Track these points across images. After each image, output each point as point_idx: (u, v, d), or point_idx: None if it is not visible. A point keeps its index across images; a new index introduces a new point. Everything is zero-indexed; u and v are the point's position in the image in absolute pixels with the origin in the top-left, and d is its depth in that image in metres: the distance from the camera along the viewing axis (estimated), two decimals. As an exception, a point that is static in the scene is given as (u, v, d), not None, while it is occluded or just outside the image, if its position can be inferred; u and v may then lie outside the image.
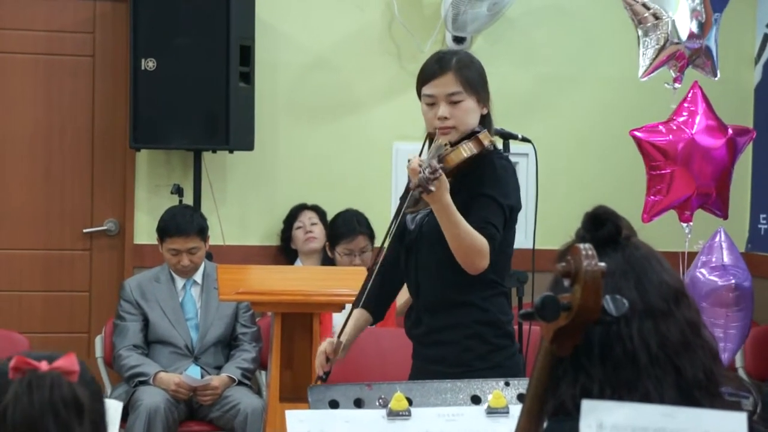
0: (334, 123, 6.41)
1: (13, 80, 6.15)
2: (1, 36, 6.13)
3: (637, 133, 5.34)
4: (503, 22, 6.29)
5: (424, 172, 3.36)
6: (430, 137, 3.72)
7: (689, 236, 5.34)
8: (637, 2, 5.22)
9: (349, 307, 3.98)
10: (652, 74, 5.35)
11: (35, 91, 6.17)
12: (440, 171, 3.40)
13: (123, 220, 6.24)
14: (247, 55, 5.92)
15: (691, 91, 5.40)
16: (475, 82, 3.67)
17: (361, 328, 3.80)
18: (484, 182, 3.58)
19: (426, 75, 3.71)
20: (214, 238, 5.98)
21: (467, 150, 3.57)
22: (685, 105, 5.36)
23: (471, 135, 3.62)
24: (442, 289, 3.64)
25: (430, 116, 3.67)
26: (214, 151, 6.11)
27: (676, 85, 5.39)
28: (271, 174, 6.34)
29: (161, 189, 6.12)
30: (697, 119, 5.31)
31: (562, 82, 6.61)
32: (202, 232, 5.57)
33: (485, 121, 3.71)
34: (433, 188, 3.36)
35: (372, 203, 6.22)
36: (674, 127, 5.30)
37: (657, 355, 1.84)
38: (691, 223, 5.33)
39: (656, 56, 5.25)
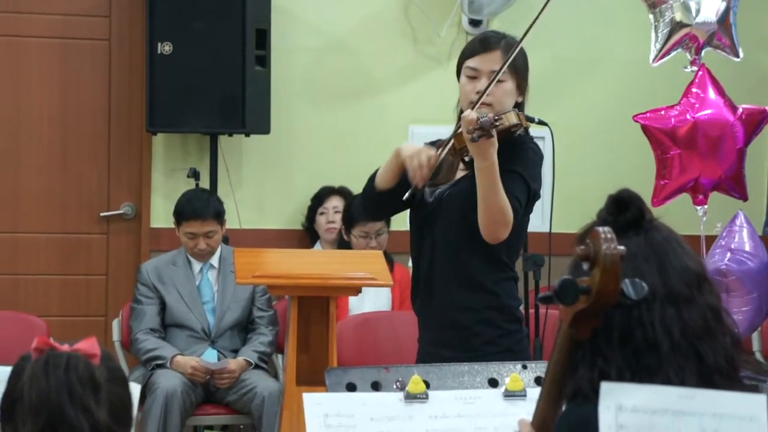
0: (350, 106, 6.40)
1: (30, 65, 6.16)
2: (17, 20, 6.13)
3: (641, 119, 5.33)
4: (519, 5, 6.27)
5: (485, 117, 3.36)
6: (461, 115, 3.72)
7: (704, 219, 5.32)
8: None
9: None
10: (665, 58, 5.33)
11: (51, 76, 6.17)
12: (502, 119, 3.40)
13: (139, 203, 6.25)
14: (262, 38, 5.92)
15: (699, 73, 5.38)
16: (520, 66, 3.70)
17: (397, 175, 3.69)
18: (514, 160, 3.58)
19: (472, 49, 3.73)
20: (231, 222, 5.98)
21: (516, 117, 3.56)
22: (693, 89, 5.35)
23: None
24: (457, 266, 3.64)
25: (469, 89, 3.67)
26: (230, 135, 6.11)
27: (693, 67, 5.38)
28: (287, 158, 6.34)
29: (177, 173, 6.13)
30: (704, 102, 5.29)
31: (578, 65, 6.60)
32: (219, 215, 5.58)
33: (519, 109, 3.71)
34: (494, 133, 3.36)
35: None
36: (677, 111, 5.29)
37: (679, 342, 1.83)
38: (705, 206, 5.31)
39: (667, 40, 5.23)
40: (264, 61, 5.94)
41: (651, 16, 5.28)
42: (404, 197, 3.65)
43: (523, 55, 3.74)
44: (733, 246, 5.29)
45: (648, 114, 5.34)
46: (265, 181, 6.33)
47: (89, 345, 1.77)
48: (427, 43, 6.43)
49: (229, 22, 5.81)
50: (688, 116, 5.27)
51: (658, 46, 5.28)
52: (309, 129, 6.35)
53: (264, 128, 6.00)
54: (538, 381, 2.90)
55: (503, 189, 3.49)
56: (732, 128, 5.26)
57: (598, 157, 6.56)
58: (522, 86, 3.73)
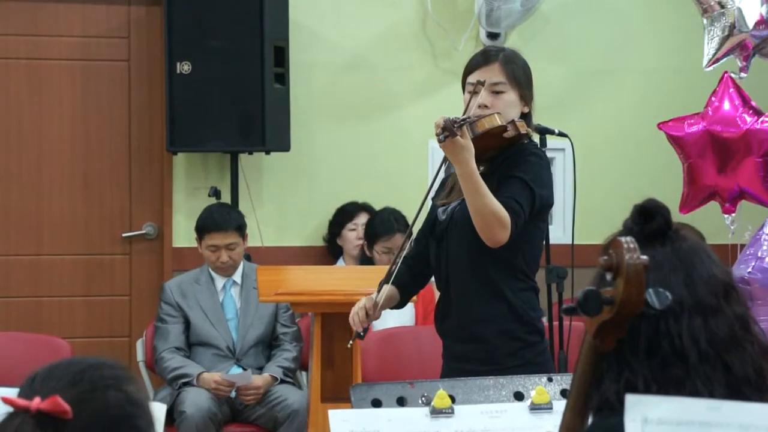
0: (370, 122, 6.41)
1: (50, 87, 6.18)
2: (38, 43, 6.17)
3: (664, 127, 5.33)
4: (537, 17, 6.27)
5: (449, 119, 3.39)
6: None
7: (732, 228, 5.30)
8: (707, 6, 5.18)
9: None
10: (717, 64, 5.32)
11: (72, 97, 6.20)
12: (469, 120, 3.44)
13: (161, 223, 6.27)
14: (281, 56, 5.93)
15: (722, 81, 5.36)
16: (520, 77, 3.70)
17: (391, 299, 3.76)
18: (515, 166, 3.59)
19: (472, 64, 3.75)
20: (252, 240, 5.99)
21: (499, 119, 3.57)
22: (713, 97, 5.33)
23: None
24: (472, 280, 3.63)
25: (471, 104, 3.67)
26: (250, 153, 6.12)
27: (742, 74, 5.36)
28: (308, 174, 6.35)
29: (199, 192, 6.14)
30: (721, 110, 5.27)
31: (597, 76, 6.59)
32: (240, 228, 5.60)
33: (526, 119, 3.71)
34: (458, 133, 3.38)
35: (409, 201, 6.20)
36: (695, 120, 5.29)
37: (706, 352, 1.82)
38: (733, 215, 5.29)
39: (721, 46, 5.21)
40: (283, 78, 5.95)
41: (705, 21, 5.26)
42: (347, 345, 3.80)
43: (523, 65, 3.75)
44: (759, 254, 5.26)
45: (670, 122, 5.32)
46: (286, 198, 6.33)
47: (53, 404, 1.72)
48: (446, 58, 6.43)
49: (247, 40, 5.82)
50: (703, 125, 5.26)
51: (712, 51, 5.25)
52: (329, 145, 6.35)
53: (284, 146, 6.01)
54: (563, 393, 2.89)
55: (503, 193, 3.50)
56: (751, 137, 5.23)
57: (619, 168, 6.54)
58: (526, 96, 3.72)
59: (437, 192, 3.89)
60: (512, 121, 3.61)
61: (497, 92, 3.65)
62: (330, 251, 6.26)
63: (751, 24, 5.19)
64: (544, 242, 3.87)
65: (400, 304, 3.84)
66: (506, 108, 3.65)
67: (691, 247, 1.90)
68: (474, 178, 3.46)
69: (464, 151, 3.43)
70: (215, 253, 5.55)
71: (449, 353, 3.74)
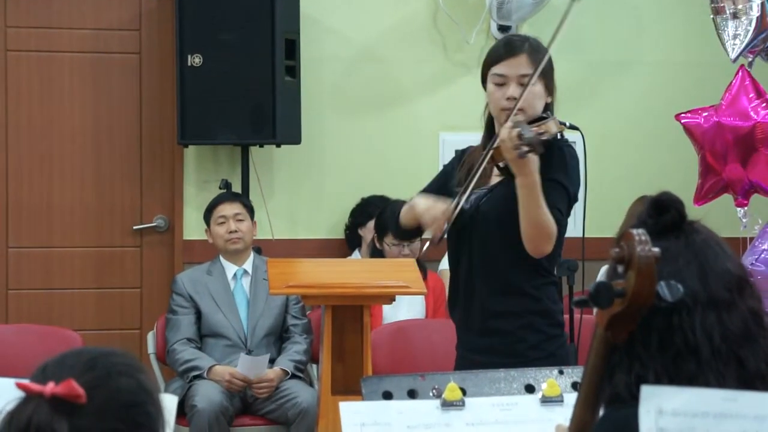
0: (381, 115, 6.41)
1: (62, 79, 6.19)
2: (49, 35, 6.18)
3: (681, 118, 5.32)
4: (548, 9, 6.25)
5: (528, 133, 3.33)
6: (490, 122, 3.70)
7: (745, 221, 5.29)
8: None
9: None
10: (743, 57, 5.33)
11: (83, 90, 6.21)
12: (544, 132, 3.38)
13: (172, 216, 6.27)
14: (292, 49, 5.93)
15: (738, 75, 5.36)
16: (545, 67, 3.64)
17: None
18: (552, 167, 3.54)
19: (497, 55, 3.69)
20: (263, 233, 6.00)
21: (555, 126, 3.53)
22: (729, 91, 5.33)
23: (539, 120, 3.59)
24: (497, 273, 3.62)
25: (498, 96, 3.63)
26: (261, 146, 6.12)
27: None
28: (319, 167, 6.35)
29: (209, 184, 6.15)
30: (736, 103, 5.26)
31: (609, 69, 6.58)
32: (247, 206, 5.72)
33: (548, 110, 3.68)
34: (542, 149, 3.35)
35: (420, 194, 6.21)
36: (711, 112, 5.28)
37: (719, 347, 1.81)
38: (745, 208, 5.28)
39: (753, 39, 5.20)
40: (294, 71, 5.95)
41: (717, 18, 5.25)
42: (432, 243, 3.68)
43: (546, 54, 3.69)
44: (765, 246, 5.26)
45: (687, 114, 5.32)
46: (297, 191, 6.34)
47: (67, 388, 1.72)
48: (457, 50, 6.43)
49: (258, 33, 5.82)
50: (716, 117, 5.26)
51: (742, 45, 5.24)
52: (340, 138, 6.36)
53: (295, 138, 6.01)
54: (575, 386, 2.88)
55: (545, 200, 3.47)
56: (765, 130, 5.22)
57: (630, 161, 6.53)
58: (550, 87, 3.68)
59: (451, 162, 3.86)
60: (553, 119, 3.57)
61: (525, 84, 3.59)
62: (348, 241, 6.24)
63: None
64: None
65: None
66: (534, 100, 3.60)
67: (705, 241, 1.89)
68: (537, 191, 3.43)
69: (534, 163, 3.41)
70: (224, 225, 5.61)
71: (470, 345, 3.72)
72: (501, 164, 3.61)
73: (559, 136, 3.64)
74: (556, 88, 3.73)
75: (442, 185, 3.79)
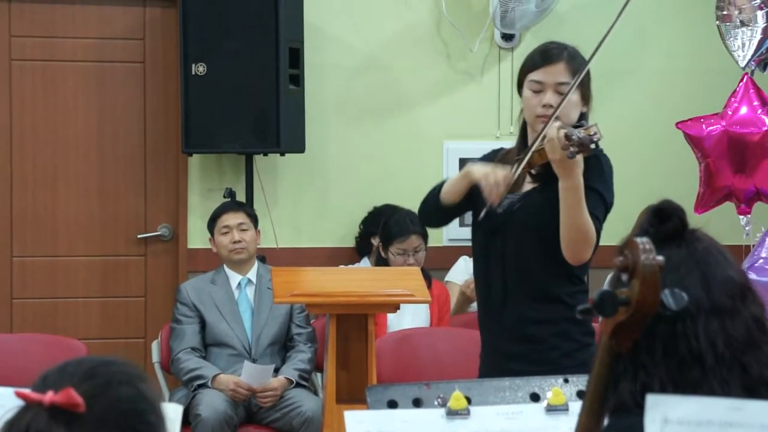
0: (384, 123, 6.41)
1: (66, 88, 6.20)
2: (53, 45, 6.18)
3: (683, 126, 5.33)
4: (552, 17, 6.26)
5: (579, 134, 3.31)
6: (524, 128, 3.68)
7: (747, 229, 5.29)
8: (738, 7, 5.18)
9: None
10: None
11: (87, 99, 6.22)
12: (594, 134, 3.35)
13: (176, 224, 6.28)
14: (296, 57, 5.94)
15: (742, 82, 5.36)
16: (583, 77, 3.62)
17: None
18: (591, 175, 3.52)
19: (535, 62, 3.66)
20: (267, 241, 6.00)
21: (599, 130, 3.49)
22: (733, 98, 5.33)
23: (578, 126, 3.56)
24: (532, 280, 3.59)
25: (534, 102, 3.61)
26: (265, 154, 6.13)
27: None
28: (323, 175, 6.35)
29: (214, 193, 6.15)
30: (740, 111, 5.27)
31: (613, 77, 6.57)
32: (251, 215, 5.71)
33: (583, 119, 3.65)
34: (591, 150, 3.33)
35: (424, 203, 6.21)
36: (714, 120, 5.28)
37: (723, 354, 1.81)
38: (748, 216, 5.28)
39: (758, 48, 5.21)
40: (298, 79, 5.96)
41: (722, 26, 5.26)
42: (479, 217, 3.61)
43: (585, 65, 3.67)
44: (764, 255, 5.26)
45: (689, 122, 5.32)
46: (301, 199, 6.34)
47: (66, 397, 1.72)
48: (460, 59, 6.43)
49: (262, 41, 5.83)
50: (723, 125, 5.26)
51: (750, 51, 5.24)
52: (343, 147, 6.36)
53: (299, 147, 6.02)
54: (580, 395, 2.88)
55: None
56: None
57: (634, 169, 6.52)
58: (586, 96, 3.66)
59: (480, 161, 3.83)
60: (595, 125, 3.53)
61: (562, 92, 3.57)
62: (359, 250, 6.24)
63: None
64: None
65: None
66: (570, 108, 3.58)
67: (707, 249, 1.89)
68: (582, 194, 3.41)
69: (578, 166, 3.40)
70: (228, 235, 5.61)
71: (501, 352, 3.67)
72: (534, 171, 3.59)
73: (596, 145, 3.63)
74: (592, 97, 3.71)
75: (474, 190, 3.74)
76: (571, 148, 3.32)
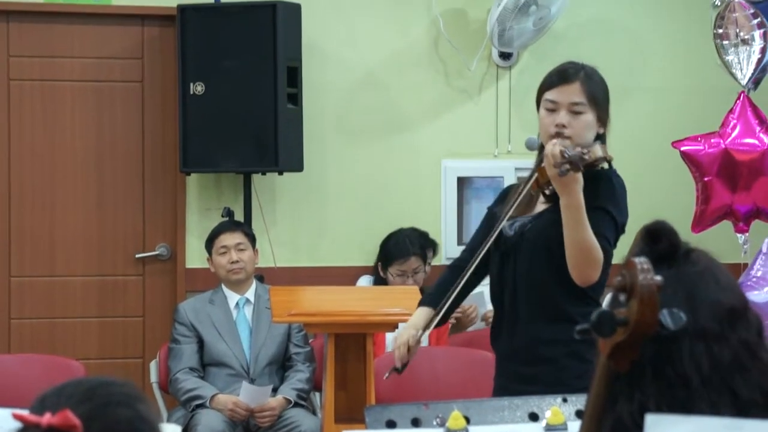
0: (383, 142, 6.41)
1: (64, 108, 6.20)
2: (51, 64, 6.19)
3: (679, 145, 5.33)
4: (549, 36, 6.27)
5: (572, 150, 3.31)
6: (542, 148, 3.68)
7: (746, 247, 5.29)
8: (738, 26, 5.20)
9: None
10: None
11: (86, 118, 6.22)
12: (588, 152, 3.35)
13: (174, 244, 6.27)
14: (294, 76, 5.95)
15: (738, 101, 5.37)
16: (599, 98, 3.62)
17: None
18: (600, 195, 3.52)
19: (551, 81, 3.67)
20: (265, 261, 5.99)
21: (601, 150, 3.49)
22: (730, 116, 5.34)
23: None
24: (543, 300, 3.59)
25: (548, 122, 3.60)
26: (263, 173, 6.13)
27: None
28: (321, 194, 6.35)
29: (212, 212, 6.15)
30: (739, 129, 5.28)
31: (612, 96, 6.57)
32: (248, 235, 5.69)
33: (600, 140, 3.63)
34: (582, 167, 3.33)
35: (422, 222, 6.21)
36: (712, 139, 5.29)
37: (711, 377, 1.80)
38: (746, 234, 5.28)
39: (757, 66, 5.23)
40: (296, 98, 5.96)
41: (722, 43, 5.28)
42: (384, 377, 3.80)
43: (602, 85, 3.68)
44: (752, 273, 5.26)
45: (685, 141, 5.33)
46: (299, 218, 6.33)
47: (63, 418, 1.72)
48: (458, 77, 6.44)
49: (260, 60, 5.84)
50: (720, 144, 5.27)
51: (750, 70, 5.26)
52: (342, 165, 6.36)
53: (297, 166, 6.02)
54: (579, 414, 2.88)
55: (591, 228, 3.44)
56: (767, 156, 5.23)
57: (632, 188, 6.49)
58: (603, 117, 3.65)
59: (496, 201, 3.84)
60: (602, 144, 3.54)
61: (576, 112, 3.57)
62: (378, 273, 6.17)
63: None
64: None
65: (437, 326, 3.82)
66: (584, 129, 3.57)
67: (698, 272, 1.88)
68: (582, 211, 3.40)
69: (577, 183, 3.40)
70: (226, 255, 5.59)
71: (513, 374, 3.66)
72: (547, 191, 3.59)
73: (607, 166, 3.61)
74: (610, 120, 3.70)
75: (491, 225, 3.72)
76: (563, 166, 3.33)
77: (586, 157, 3.37)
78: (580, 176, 3.39)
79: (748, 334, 1.83)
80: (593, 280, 3.48)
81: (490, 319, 5.76)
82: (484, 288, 6.02)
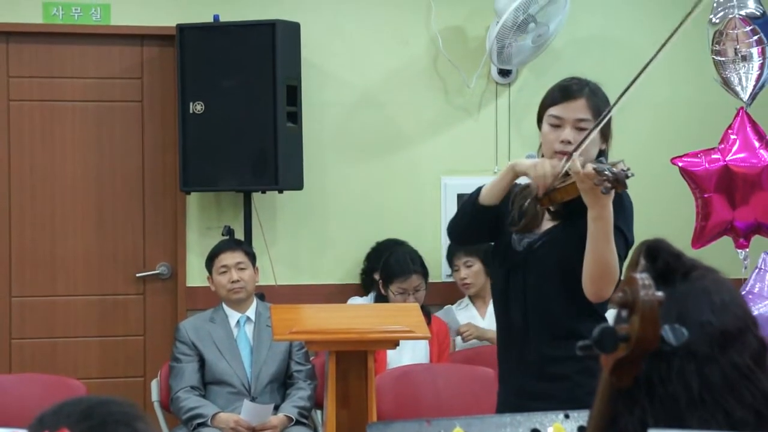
0: (382, 159, 6.42)
1: (65, 127, 6.22)
2: (51, 85, 6.20)
3: (678, 161, 5.34)
4: (548, 53, 6.28)
5: (611, 169, 3.27)
6: None
7: (746, 263, 5.29)
8: (737, 42, 5.22)
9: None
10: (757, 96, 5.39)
11: (86, 138, 6.23)
12: (625, 171, 3.32)
13: (175, 263, 6.27)
14: (293, 95, 5.96)
15: (737, 117, 5.38)
16: (603, 113, 3.60)
17: None
18: (614, 214, 3.48)
19: (555, 97, 3.64)
20: (266, 279, 5.99)
21: (627, 166, 3.45)
22: (729, 132, 5.35)
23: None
24: (554, 317, 3.57)
25: (552, 138, 3.58)
26: (263, 192, 6.13)
27: None
28: (321, 212, 6.36)
29: (212, 231, 6.15)
30: (739, 145, 5.29)
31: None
32: (249, 253, 5.69)
33: (602, 156, 3.62)
34: (626, 185, 3.29)
35: (422, 239, 6.22)
36: (711, 155, 5.30)
37: (702, 396, 1.80)
38: (747, 250, 5.29)
39: (756, 82, 5.25)
40: (295, 117, 5.97)
41: (719, 59, 5.30)
42: (509, 241, 3.61)
43: (605, 100, 3.66)
44: (747, 289, 5.27)
45: (684, 157, 5.34)
46: (300, 236, 6.34)
47: None
48: (457, 95, 6.45)
49: (259, 79, 5.85)
50: (720, 160, 5.27)
51: (750, 85, 5.28)
52: (342, 183, 6.37)
53: (297, 184, 6.02)
54: (581, 430, 2.87)
55: None
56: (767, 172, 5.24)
57: (636, 204, 6.51)
58: (606, 133, 3.64)
59: (501, 215, 3.79)
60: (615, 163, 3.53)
61: (581, 128, 3.56)
62: (364, 286, 6.23)
63: None
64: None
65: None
66: (589, 146, 3.54)
67: (692, 292, 1.87)
68: (610, 225, 3.39)
69: (610, 197, 3.38)
70: (226, 275, 5.59)
71: (522, 390, 3.64)
72: (553, 208, 3.58)
73: None
74: (612, 135, 3.69)
75: (494, 227, 3.72)
76: (606, 183, 3.28)
77: (629, 173, 3.35)
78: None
79: (740, 358, 1.81)
80: (606, 297, 3.47)
81: (465, 333, 5.83)
82: (450, 305, 6.09)
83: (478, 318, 5.99)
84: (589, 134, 3.51)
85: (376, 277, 6.09)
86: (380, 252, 6.14)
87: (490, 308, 5.81)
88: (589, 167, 3.34)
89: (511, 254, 3.63)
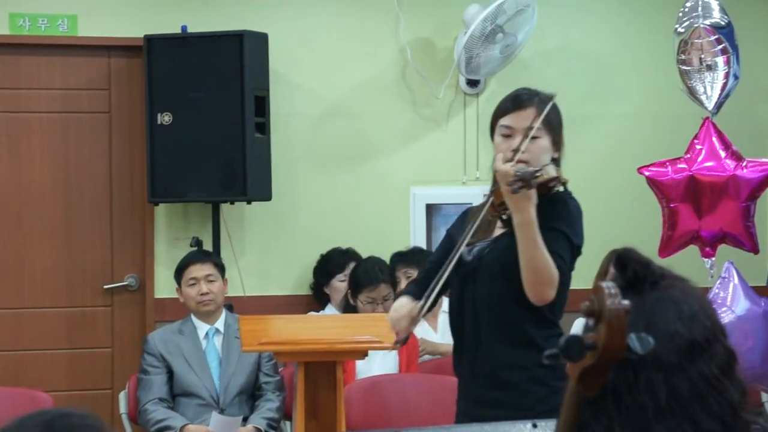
0: (351, 170, 6.42)
1: (32, 139, 6.19)
2: (18, 96, 6.17)
3: (645, 171, 5.37)
4: (516, 64, 6.30)
5: (524, 169, 3.33)
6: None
7: (712, 272, 5.32)
8: (702, 51, 5.25)
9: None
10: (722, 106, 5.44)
11: (53, 150, 6.20)
12: (539, 171, 3.38)
13: (143, 274, 6.25)
14: (262, 105, 5.95)
15: (703, 126, 5.41)
16: (554, 122, 3.66)
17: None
18: (556, 217, 3.56)
19: (505, 107, 3.70)
20: (234, 290, 5.97)
21: (554, 170, 3.53)
22: (695, 141, 5.38)
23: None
24: (505, 324, 3.60)
25: (504, 147, 3.62)
26: (232, 203, 6.12)
27: None
28: (290, 223, 6.35)
29: (180, 242, 6.13)
30: (704, 155, 5.32)
31: (576, 122, 6.58)
32: (218, 265, 5.66)
33: (555, 164, 3.66)
34: (534, 185, 3.35)
35: (391, 248, 6.22)
36: (678, 164, 5.33)
37: (669, 405, 1.80)
38: (713, 259, 5.31)
39: (722, 91, 5.28)
40: (264, 127, 5.97)
41: (685, 68, 5.33)
42: (393, 345, 3.80)
43: (556, 111, 3.70)
44: (711, 297, 5.28)
45: (651, 167, 5.37)
46: (268, 247, 6.33)
47: None
48: (426, 105, 6.46)
49: (227, 90, 5.84)
50: (686, 169, 5.30)
51: (716, 95, 5.31)
52: (310, 194, 6.36)
53: (265, 195, 6.01)
54: (548, 439, 2.88)
55: (546, 247, 3.46)
56: (733, 182, 5.26)
57: (599, 214, 6.55)
58: (557, 142, 3.69)
59: (454, 225, 3.85)
60: (557, 170, 3.57)
61: (532, 137, 3.59)
62: (317, 299, 6.24)
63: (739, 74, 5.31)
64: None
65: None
66: (540, 153, 3.60)
67: (660, 301, 1.87)
68: (534, 228, 3.43)
69: (529, 201, 3.42)
70: (195, 287, 5.57)
71: (475, 398, 3.68)
72: (504, 215, 3.61)
73: (562, 188, 3.63)
74: (564, 144, 3.73)
75: (449, 248, 3.75)
76: (515, 184, 3.35)
77: (538, 174, 3.40)
78: (532, 194, 3.42)
79: (708, 368, 1.82)
80: (549, 299, 3.50)
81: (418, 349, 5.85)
82: None
83: (430, 332, 5.99)
84: (526, 137, 3.56)
85: (327, 291, 6.11)
86: (325, 266, 6.17)
87: (441, 321, 5.84)
88: (507, 166, 3.40)
89: (463, 263, 3.67)
